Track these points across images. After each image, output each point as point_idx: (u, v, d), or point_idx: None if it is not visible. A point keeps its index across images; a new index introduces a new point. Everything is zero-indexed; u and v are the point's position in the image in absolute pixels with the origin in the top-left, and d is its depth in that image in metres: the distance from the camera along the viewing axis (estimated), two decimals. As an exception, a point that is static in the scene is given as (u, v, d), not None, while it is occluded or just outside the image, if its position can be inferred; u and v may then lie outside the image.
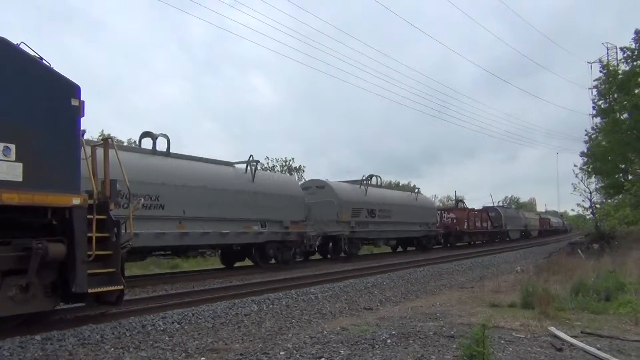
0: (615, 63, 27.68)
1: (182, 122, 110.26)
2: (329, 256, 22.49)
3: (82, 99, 6.48)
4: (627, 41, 24.40)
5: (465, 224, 34.37)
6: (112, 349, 5.87)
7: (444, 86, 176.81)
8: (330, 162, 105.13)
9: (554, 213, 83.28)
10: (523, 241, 44.71)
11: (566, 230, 76.11)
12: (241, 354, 5.46)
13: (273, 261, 17.76)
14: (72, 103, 6.38)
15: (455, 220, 33.81)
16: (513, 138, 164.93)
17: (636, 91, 24.10)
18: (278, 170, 43.90)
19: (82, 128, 6.59)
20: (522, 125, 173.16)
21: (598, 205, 34.29)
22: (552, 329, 6.39)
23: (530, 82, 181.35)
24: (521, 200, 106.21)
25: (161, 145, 14.38)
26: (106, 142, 7.74)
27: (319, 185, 22.64)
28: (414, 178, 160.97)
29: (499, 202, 48.60)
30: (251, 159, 16.85)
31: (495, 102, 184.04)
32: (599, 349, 5.38)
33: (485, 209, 41.29)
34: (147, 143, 14.39)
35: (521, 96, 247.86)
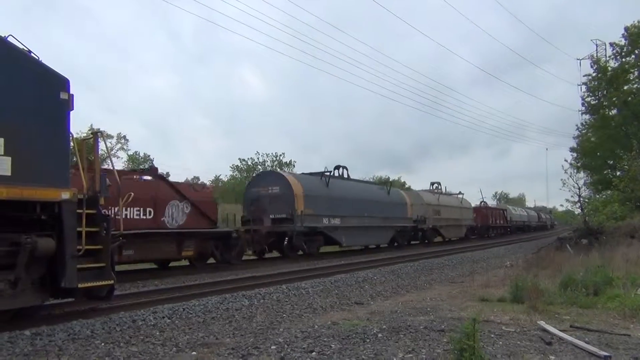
0: (604, 60, 27.89)
1: (171, 115, 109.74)
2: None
3: (71, 92, 6.42)
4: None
5: None
6: (103, 344, 5.84)
7: (438, 83, 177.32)
8: (321, 157, 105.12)
9: (543, 208, 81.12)
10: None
11: (546, 226, 63.69)
12: (232, 349, 5.46)
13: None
14: (61, 97, 6.31)
15: None
16: (505, 134, 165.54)
17: (625, 87, 24.35)
18: (269, 165, 45.38)
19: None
20: (515, 121, 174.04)
21: (587, 201, 34.55)
22: (542, 323, 6.45)
23: (525, 77, 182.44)
24: (511, 196, 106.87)
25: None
26: (95, 136, 7.67)
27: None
28: (405, 173, 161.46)
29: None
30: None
31: (489, 97, 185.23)
32: (587, 342, 5.44)
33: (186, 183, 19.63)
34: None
35: (515, 91, 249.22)
